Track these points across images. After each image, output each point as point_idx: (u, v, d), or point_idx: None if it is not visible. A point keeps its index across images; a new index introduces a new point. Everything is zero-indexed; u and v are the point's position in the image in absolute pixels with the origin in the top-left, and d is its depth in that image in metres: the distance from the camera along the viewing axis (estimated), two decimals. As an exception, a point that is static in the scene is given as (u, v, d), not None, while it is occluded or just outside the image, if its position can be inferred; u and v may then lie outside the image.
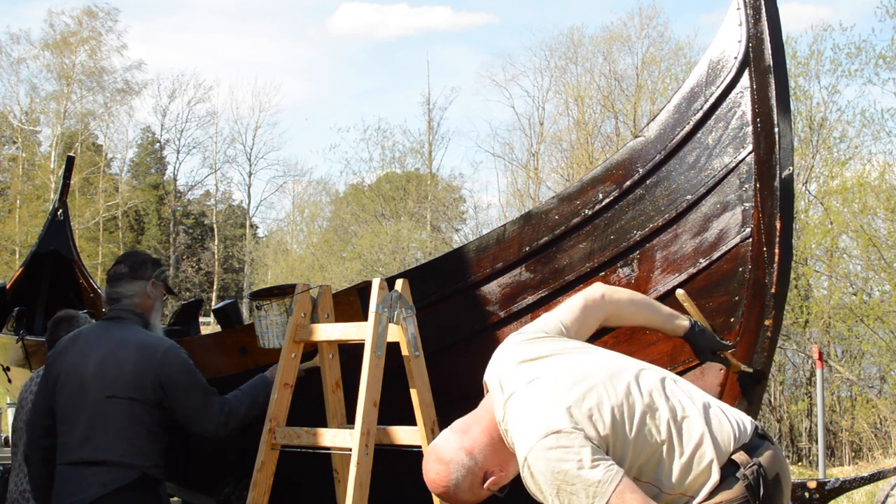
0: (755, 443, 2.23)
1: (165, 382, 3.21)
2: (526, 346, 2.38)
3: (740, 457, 2.18)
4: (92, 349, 3.27)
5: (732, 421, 2.23)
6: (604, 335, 3.05)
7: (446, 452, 2.28)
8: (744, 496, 2.14)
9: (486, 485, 2.30)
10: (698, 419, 2.18)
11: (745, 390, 2.94)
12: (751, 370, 2.90)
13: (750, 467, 2.16)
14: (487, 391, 2.39)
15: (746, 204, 2.93)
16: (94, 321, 3.98)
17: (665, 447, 2.15)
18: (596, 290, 2.59)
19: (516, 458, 2.23)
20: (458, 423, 2.35)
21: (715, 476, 2.15)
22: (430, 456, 2.33)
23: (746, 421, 2.27)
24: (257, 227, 48.15)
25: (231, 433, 3.36)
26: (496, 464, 2.29)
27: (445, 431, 2.35)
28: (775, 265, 2.88)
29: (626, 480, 2.07)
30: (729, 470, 2.16)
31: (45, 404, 3.32)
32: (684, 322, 2.72)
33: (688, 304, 2.85)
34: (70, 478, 3.17)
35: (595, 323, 2.57)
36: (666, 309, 2.72)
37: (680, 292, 2.87)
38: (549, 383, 2.21)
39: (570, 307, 2.54)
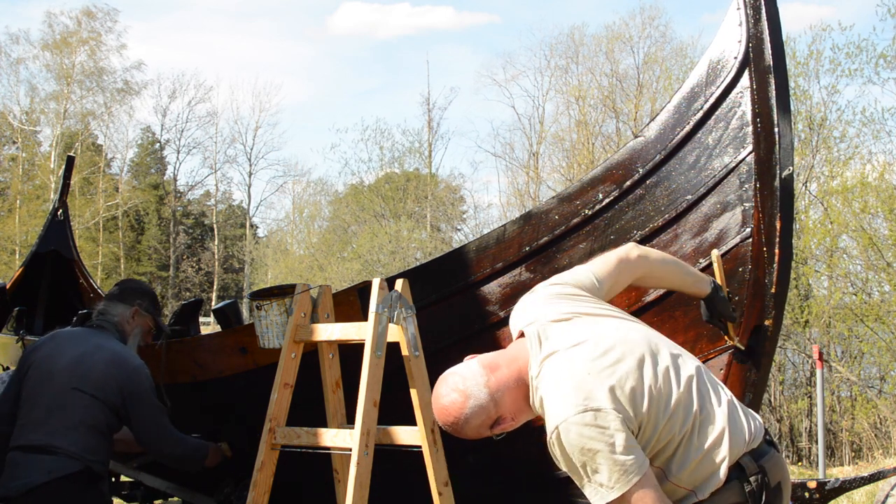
0: (763, 449, 2.22)
1: (129, 392, 3.41)
2: (563, 300, 2.32)
3: (747, 462, 2.17)
4: (68, 347, 3.50)
5: (748, 423, 2.22)
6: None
7: (469, 385, 2.21)
8: (745, 502, 2.14)
9: (494, 429, 2.26)
10: (721, 416, 2.17)
11: (746, 383, 2.94)
12: (742, 347, 2.89)
13: (755, 474, 2.15)
14: (516, 337, 2.34)
15: (746, 204, 2.93)
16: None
17: (685, 438, 2.14)
18: (630, 248, 2.54)
19: (530, 412, 2.22)
20: (487, 358, 2.28)
21: (721, 476, 2.14)
22: (448, 383, 2.25)
23: (759, 425, 2.26)
24: (257, 227, 48.17)
25: (169, 459, 3.62)
26: (512, 412, 2.25)
27: (472, 362, 2.27)
28: (775, 265, 2.88)
29: (649, 473, 2.06)
30: (734, 472, 2.16)
31: (13, 392, 3.50)
32: (708, 284, 2.68)
33: (717, 267, 2.82)
34: (18, 463, 3.33)
35: (626, 280, 2.52)
36: (693, 269, 2.70)
37: (716, 252, 2.84)
38: (593, 353, 2.16)
39: (604, 262, 2.48)
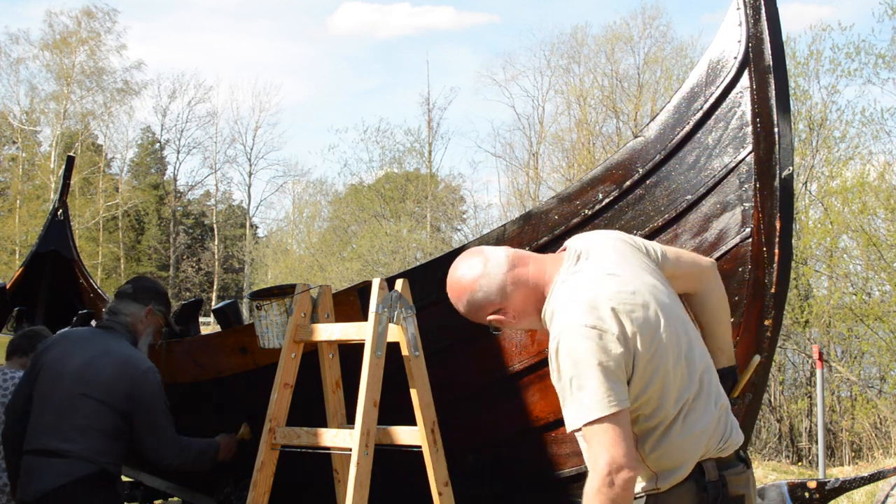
0: (732, 462, 2.22)
1: (137, 397, 3.37)
2: (624, 246, 2.31)
3: (709, 467, 2.16)
4: (78, 349, 3.47)
5: (728, 432, 2.22)
6: None
7: (489, 266, 2.25)
8: None
9: (491, 316, 2.28)
10: (710, 415, 2.17)
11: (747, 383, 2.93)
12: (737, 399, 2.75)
13: (714, 481, 2.15)
14: (560, 251, 2.35)
15: (746, 204, 2.93)
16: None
17: (671, 419, 2.14)
18: (708, 262, 2.49)
19: (535, 321, 2.24)
20: (518, 253, 2.31)
21: (684, 472, 2.14)
22: (473, 255, 2.29)
23: (739, 440, 2.26)
24: (257, 227, 48.19)
25: (174, 467, 3.53)
26: (516, 309, 2.28)
27: (504, 248, 2.31)
28: (775, 265, 2.88)
29: (626, 415, 2.06)
30: (695, 474, 2.15)
31: (26, 392, 3.50)
32: (730, 359, 2.55)
33: (750, 370, 2.75)
34: (33, 468, 3.33)
35: (684, 283, 2.43)
36: (730, 336, 2.58)
37: (757, 358, 2.80)
38: (620, 287, 2.16)
39: (679, 251, 2.47)
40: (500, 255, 2.29)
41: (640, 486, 2.17)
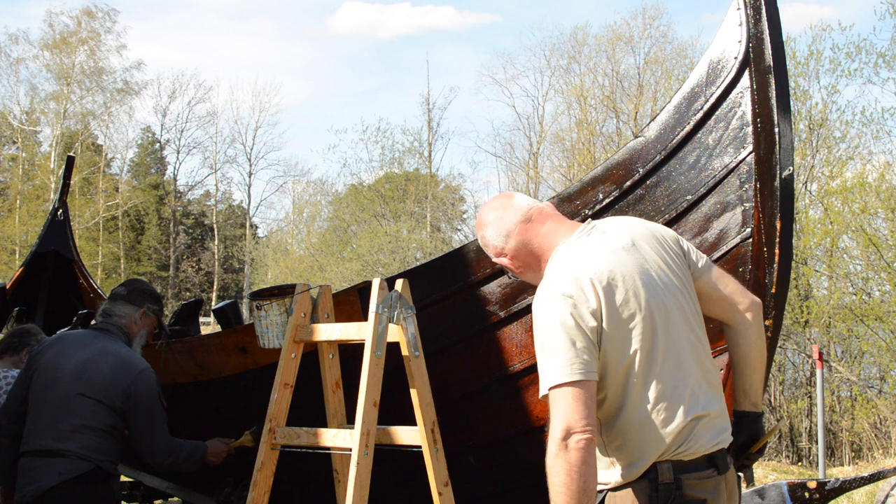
0: (696, 465, 2.16)
1: (133, 396, 3.41)
2: (648, 239, 2.29)
3: (664, 469, 2.13)
4: (74, 350, 3.50)
5: (691, 436, 2.16)
6: None
7: (507, 212, 2.35)
8: None
9: (498, 259, 2.38)
10: (676, 417, 2.14)
11: None
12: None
13: (667, 484, 2.12)
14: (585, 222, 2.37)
15: (746, 204, 2.93)
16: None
17: (630, 410, 2.13)
18: (751, 300, 2.38)
19: (535, 276, 2.29)
20: (541, 208, 2.37)
21: (640, 469, 2.13)
22: (503, 198, 2.40)
23: (706, 444, 2.18)
24: (257, 227, 48.18)
25: (165, 467, 3.57)
26: (519, 259, 2.36)
27: (531, 202, 2.38)
28: (775, 265, 2.88)
29: (590, 387, 2.06)
30: (651, 474, 2.13)
31: (20, 393, 3.52)
32: (759, 405, 2.44)
33: (771, 434, 2.60)
34: (28, 469, 3.37)
35: (718, 307, 2.37)
36: (759, 381, 2.46)
37: (779, 424, 2.71)
38: (618, 267, 2.17)
39: (726, 275, 2.40)
40: (521, 205, 2.36)
41: (601, 476, 2.17)
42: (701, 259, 2.38)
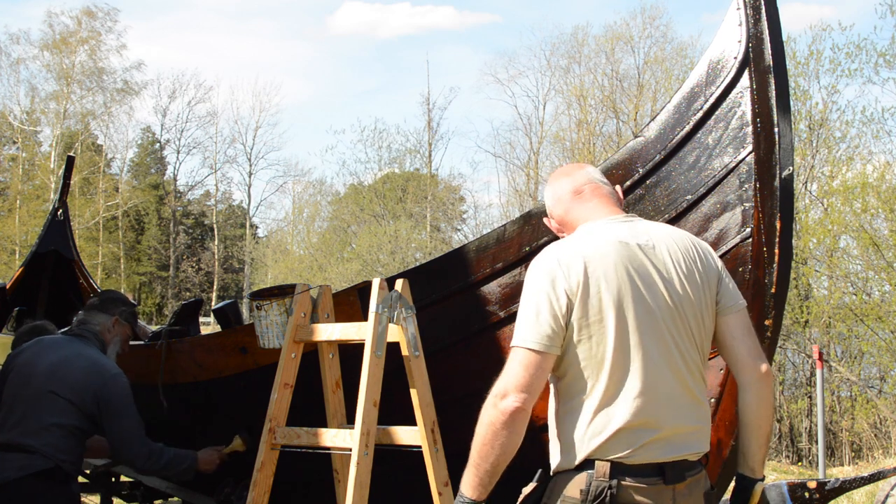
0: (641, 471, 2.13)
1: (104, 401, 3.48)
2: (677, 249, 2.27)
3: (601, 467, 2.12)
4: (49, 352, 3.61)
5: (640, 441, 2.13)
6: None
7: (563, 181, 2.48)
8: (580, 500, 2.12)
9: (546, 219, 2.56)
10: (636, 420, 2.11)
11: None
12: None
13: (600, 481, 2.11)
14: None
15: (746, 204, 2.93)
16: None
17: (583, 399, 2.14)
18: (762, 367, 2.31)
19: (568, 245, 2.29)
20: (596, 185, 2.45)
21: (576, 460, 2.15)
22: (573, 168, 2.53)
23: (660, 456, 2.15)
24: (257, 227, 48.21)
25: (147, 471, 3.64)
26: (561, 225, 2.49)
27: (589, 177, 2.48)
28: (775, 265, 2.88)
29: (544, 360, 2.12)
30: (587, 467, 2.14)
31: None
32: (759, 472, 2.36)
33: (755, 499, 2.45)
34: None
35: (728, 356, 2.34)
36: (759, 446, 2.37)
37: (787, 481, 2.68)
38: (617, 260, 2.18)
39: (751, 329, 2.35)
40: (581, 178, 2.47)
41: (553, 462, 2.22)
42: (733, 300, 2.33)
